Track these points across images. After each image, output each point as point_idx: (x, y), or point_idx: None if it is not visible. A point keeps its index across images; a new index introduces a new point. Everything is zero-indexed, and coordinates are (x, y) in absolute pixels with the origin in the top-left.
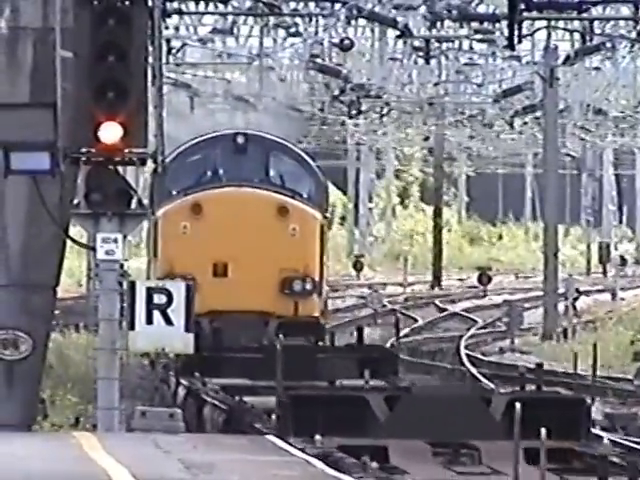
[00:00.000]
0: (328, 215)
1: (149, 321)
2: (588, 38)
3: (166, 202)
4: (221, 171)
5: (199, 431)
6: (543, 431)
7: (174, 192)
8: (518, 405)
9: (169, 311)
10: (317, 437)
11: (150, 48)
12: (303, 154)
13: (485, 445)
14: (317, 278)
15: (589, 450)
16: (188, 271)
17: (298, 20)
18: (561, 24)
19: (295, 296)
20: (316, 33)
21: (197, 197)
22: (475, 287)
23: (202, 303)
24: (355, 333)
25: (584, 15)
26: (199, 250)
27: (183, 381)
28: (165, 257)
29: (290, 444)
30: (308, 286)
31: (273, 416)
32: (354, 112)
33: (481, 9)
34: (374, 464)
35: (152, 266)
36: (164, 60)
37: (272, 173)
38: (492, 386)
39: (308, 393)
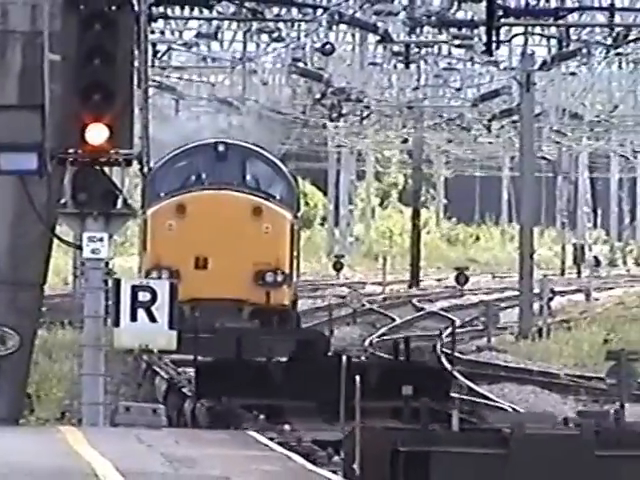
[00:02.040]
0: (298, 215)
1: (133, 318)
2: (564, 44)
3: (155, 203)
4: (203, 176)
5: (151, 394)
6: (406, 388)
7: (162, 194)
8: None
9: (153, 309)
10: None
11: (136, 52)
12: (277, 161)
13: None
14: (287, 271)
15: (437, 406)
16: (173, 264)
17: (281, 25)
18: (538, 30)
19: (267, 286)
20: (298, 38)
21: (181, 198)
22: (453, 287)
23: (184, 292)
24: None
25: (560, 22)
26: (183, 245)
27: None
28: (153, 251)
29: (271, 439)
30: (279, 278)
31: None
32: (335, 115)
33: (460, 15)
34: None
35: (142, 259)
36: (149, 63)
37: (248, 178)
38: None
39: (214, 362)
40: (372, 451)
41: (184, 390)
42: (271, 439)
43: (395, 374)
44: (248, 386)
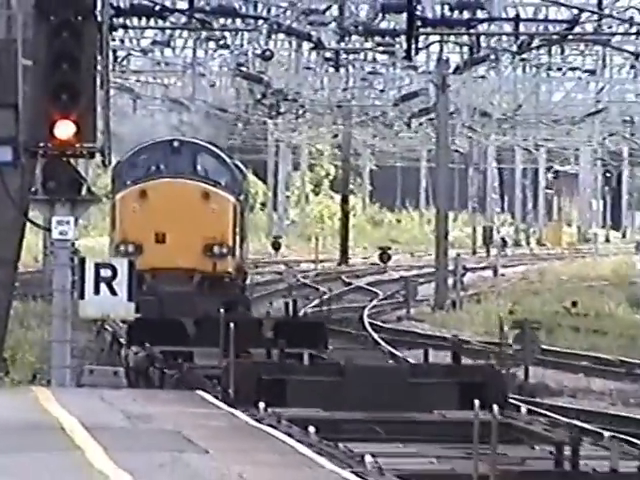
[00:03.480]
0: (241, 199)
1: (96, 292)
2: (475, 51)
3: (122, 189)
4: (161, 167)
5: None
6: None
7: (127, 182)
8: (232, 324)
9: (114, 284)
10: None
11: (99, 57)
12: (222, 154)
13: (256, 352)
14: (231, 244)
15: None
16: (137, 239)
17: (226, 34)
18: (452, 38)
19: (214, 257)
20: (241, 45)
21: (144, 186)
22: (377, 264)
23: (146, 262)
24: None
25: (472, 31)
26: (145, 224)
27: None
28: (121, 229)
29: (217, 398)
30: (224, 250)
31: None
32: (274, 113)
33: (383, 25)
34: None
35: (112, 236)
36: (110, 67)
37: (199, 168)
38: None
39: (141, 319)
40: (242, 379)
41: (121, 340)
42: (178, 372)
43: (285, 327)
44: (167, 337)
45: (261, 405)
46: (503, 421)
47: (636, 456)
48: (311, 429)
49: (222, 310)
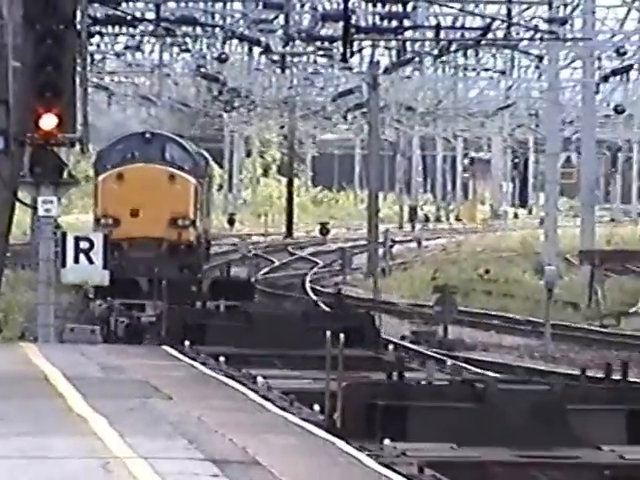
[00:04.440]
0: (202, 181)
1: (76, 261)
2: (402, 54)
3: (103, 172)
4: (136, 154)
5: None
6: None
7: (108, 167)
8: (163, 283)
9: (91, 254)
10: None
11: (78, 60)
12: (187, 144)
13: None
14: (192, 218)
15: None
16: (115, 214)
17: (188, 40)
18: (382, 43)
19: (179, 228)
20: (201, 50)
21: (121, 169)
22: (317, 238)
23: (123, 233)
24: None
25: (399, 37)
26: (121, 201)
27: None
28: (102, 205)
29: (181, 352)
30: (187, 222)
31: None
32: (229, 108)
33: (323, 32)
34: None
35: (95, 210)
36: (88, 69)
37: (166, 155)
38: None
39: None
40: (172, 324)
41: (90, 295)
42: (128, 319)
43: (220, 285)
44: (125, 292)
45: (186, 343)
46: (374, 355)
47: (448, 372)
48: (221, 359)
49: (177, 272)
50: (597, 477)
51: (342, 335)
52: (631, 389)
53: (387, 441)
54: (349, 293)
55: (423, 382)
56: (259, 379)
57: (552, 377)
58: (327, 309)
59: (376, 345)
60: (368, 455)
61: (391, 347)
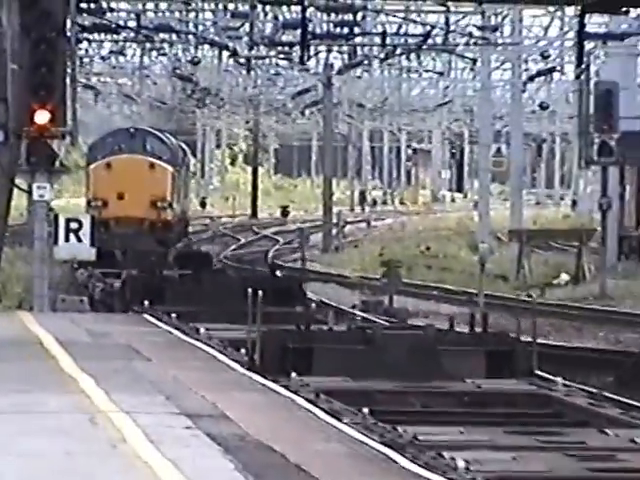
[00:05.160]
0: (179, 169)
1: (67, 239)
2: (353, 57)
3: (94, 162)
4: (122, 146)
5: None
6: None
7: (98, 157)
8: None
9: (80, 233)
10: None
11: (68, 63)
12: (164, 137)
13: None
14: (169, 200)
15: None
16: (104, 197)
17: (165, 45)
18: (335, 48)
19: (158, 210)
20: (176, 54)
21: (109, 159)
22: (279, 219)
23: (110, 213)
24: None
25: (350, 42)
26: (110, 186)
27: None
28: (93, 190)
29: (160, 320)
30: (165, 204)
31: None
32: (201, 105)
33: (284, 38)
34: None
35: (87, 194)
36: (77, 70)
37: (148, 147)
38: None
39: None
40: (134, 288)
41: (75, 266)
42: (103, 284)
43: (183, 256)
44: (105, 262)
45: (146, 303)
46: (302, 312)
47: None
48: (173, 315)
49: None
50: (458, 402)
51: (272, 294)
52: (489, 334)
53: (294, 374)
54: (307, 268)
55: (325, 328)
56: (202, 330)
57: (427, 326)
58: (265, 275)
59: (302, 304)
60: (280, 386)
61: (314, 305)
